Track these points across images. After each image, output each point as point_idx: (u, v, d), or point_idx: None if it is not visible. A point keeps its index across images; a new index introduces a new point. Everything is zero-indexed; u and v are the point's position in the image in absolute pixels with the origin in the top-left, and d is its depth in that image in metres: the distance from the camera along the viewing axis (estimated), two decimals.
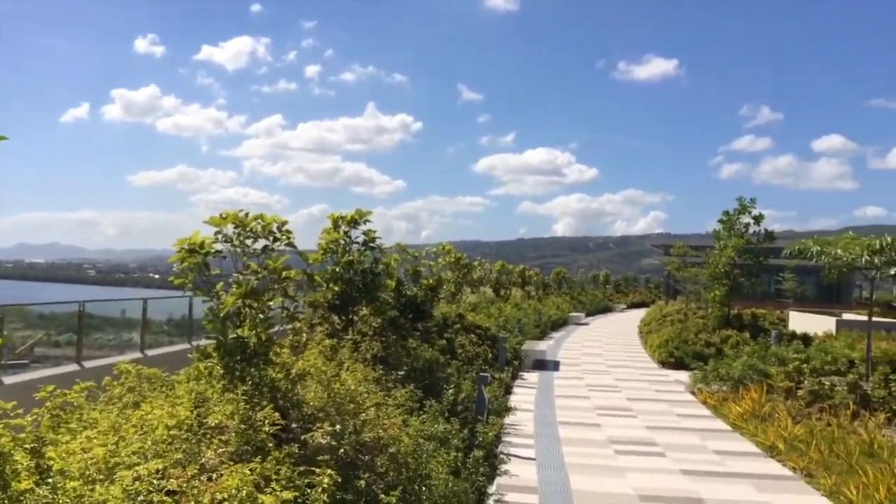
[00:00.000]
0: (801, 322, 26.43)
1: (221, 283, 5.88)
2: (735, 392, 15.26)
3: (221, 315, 5.73)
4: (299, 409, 5.76)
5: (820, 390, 14.17)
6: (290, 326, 7.14)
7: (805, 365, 15.33)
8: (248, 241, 6.10)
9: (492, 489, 8.69)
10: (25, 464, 3.74)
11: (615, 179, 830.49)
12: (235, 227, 6.03)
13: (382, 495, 5.39)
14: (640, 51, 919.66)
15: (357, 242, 10.93)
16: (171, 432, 4.42)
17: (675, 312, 32.21)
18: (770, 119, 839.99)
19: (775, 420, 12.72)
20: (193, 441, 4.50)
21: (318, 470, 4.58)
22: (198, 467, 4.20)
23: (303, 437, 5.27)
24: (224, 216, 5.96)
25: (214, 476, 4.18)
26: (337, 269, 10.65)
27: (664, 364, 22.17)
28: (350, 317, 10.92)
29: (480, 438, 9.61)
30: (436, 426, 8.27)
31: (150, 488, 3.59)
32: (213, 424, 4.81)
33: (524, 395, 15.89)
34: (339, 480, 4.70)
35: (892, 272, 17.56)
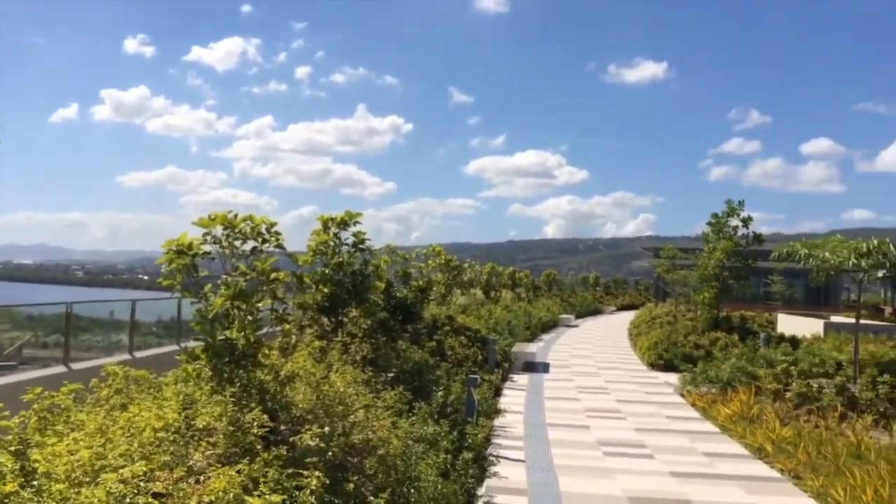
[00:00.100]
0: (790, 324, 26.55)
1: (210, 285, 5.86)
2: (724, 394, 15.32)
3: (210, 317, 5.71)
4: (288, 411, 5.74)
5: (808, 392, 14.25)
6: (279, 328, 7.13)
7: (793, 367, 15.41)
8: (237, 243, 6.08)
9: (481, 491, 8.69)
10: (10, 466, 3.71)
11: (605, 182, 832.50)
12: (224, 229, 6.01)
13: (371, 497, 5.39)
14: (630, 54, 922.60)
15: (347, 244, 10.92)
16: (159, 434, 4.40)
17: (664, 315, 32.32)
18: (759, 122, 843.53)
19: (763, 422, 12.77)
20: (181, 443, 4.48)
21: (306, 472, 4.56)
22: (185, 469, 4.18)
23: (291, 440, 5.25)
24: (213, 217, 5.94)
25: (202, 478, 4.15)
26: (326, 271, 10.64)
27: (653, 366, 22.23)
28: (339, 318, 10.90)
29: (470, 440, 9.61)
30: (425, 428, 8.26)
31: (136, 491, 3.57)
32: (201, 426, 4.79)
33: (514, 397, 15.90)
34: (328, 483, 4.69)
35: (880, 275, 17.68)
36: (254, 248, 6.19)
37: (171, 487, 3.74)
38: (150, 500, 3.60)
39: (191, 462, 4.35)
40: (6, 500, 3.41)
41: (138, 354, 13.49)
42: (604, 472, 10.07)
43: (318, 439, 5.28)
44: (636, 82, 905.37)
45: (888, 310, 48.46)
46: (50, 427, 4.84)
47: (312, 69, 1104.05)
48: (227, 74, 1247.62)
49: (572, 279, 66.70)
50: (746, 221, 24.11)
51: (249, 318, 5.84)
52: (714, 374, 16.46)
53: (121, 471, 3.69)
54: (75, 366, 11.77)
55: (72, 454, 3.98)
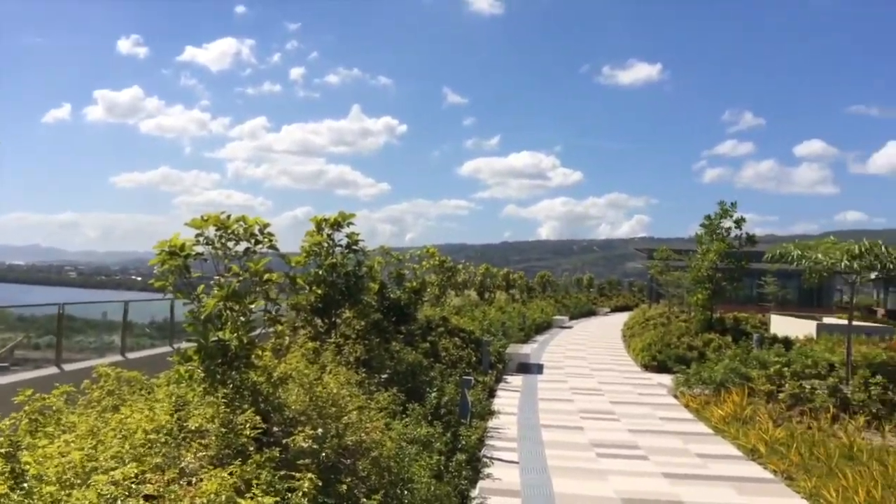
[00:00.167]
0: (783, 326, 26.63)
1: (202, 286, 5.85)
2: (717, 395, 15.35)
3: (202, 318, 5.70)
4: (281, 412, 5.73)
5: (800, 394, 14.29)
6: (272, 329, 7.12)
7: (786, 368, 15.45)
8: (230, 244, 6.08)
9: (474, 493, 8.68)
10: (0, 468, 3.69)
11: (599, 183, 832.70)
12: (217, 230, 6.00)
13: (364, 499, 5.38)
14: (625, 55, 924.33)
15: (340, 245, 10.91)
16: (150, 436, 4.39)
17: (658, 316, 32.36)
18: (752, 124, 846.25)
19: (756, 423, 12.80)
20: (173, 445, 4.47)
21: (299, 474, 4.55)
22: (177, 471, 4.17)
23: (284, 441, 5.24)
24: (205, 218, 5.93)
25: (194, 480, 4.14)
26: (320, 272, 10.62)
27: (647, 367, 22.26)
28: (333, 320, 10.89)
29: (463, 442, 9.62)
30: (418, 430, 8.26)
31: (127, 493, 3.56)
32: (193, 428, 4.77)
33: (508, 398, 15.89)
34: (321, 484, 4.68)
35: (872, 276, 17.74)
36: (247, 250, 6.18)
37: (162, 489, 3.73)
38: (142, 502, 3.59)
39: (183, 464, 4.34)
40: None
41: (131, 356, 13.46)
42: (597, 473, 10.07)
43: (310, 441, 5.28)
44: (630, 84, 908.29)
45: (881, 311, 48.67)
46: (41, 429, 4.83)
47: (306, 70, 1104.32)
48: (221, 75, 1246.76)
49: (566, 280, 66.73)
50: (739, 223, 24.18)
51: (242, 319, 5.83)
52: (707, 376, 16.49)
53: (112, 473, 3.68)
54: (67, 367, 11.73)
55: (63, 456, 3.97)
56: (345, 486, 5.19)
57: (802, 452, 10.81)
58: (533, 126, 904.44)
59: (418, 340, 13.93)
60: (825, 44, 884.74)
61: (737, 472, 10.37)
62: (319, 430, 5.59)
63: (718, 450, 11.70)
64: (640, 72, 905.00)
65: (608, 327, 40.08)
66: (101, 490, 3.48)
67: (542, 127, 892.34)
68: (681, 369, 18.43)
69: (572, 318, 44.88)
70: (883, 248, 14.97)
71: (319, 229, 10.82)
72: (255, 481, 4.23)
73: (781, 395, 14.46)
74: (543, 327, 35.11)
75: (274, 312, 6.70)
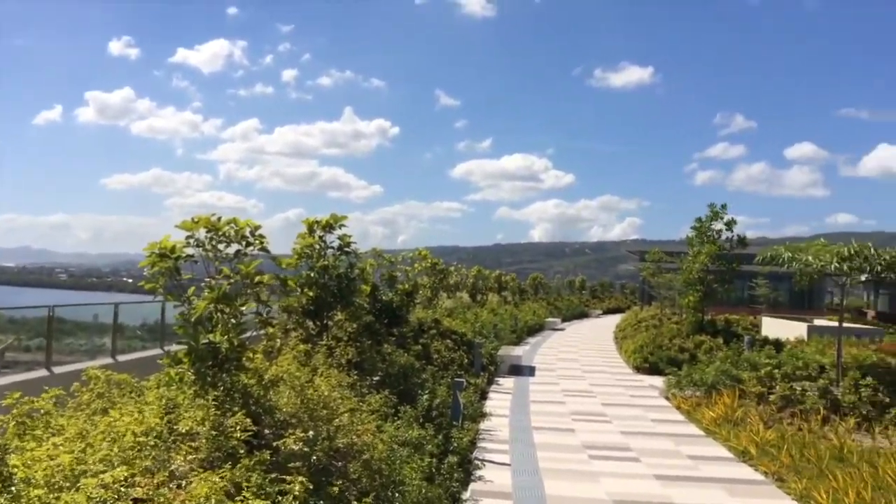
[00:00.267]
0: (774, 328, 26.72)
1: (193, 288, 5.84)
2: (708, 397, 15.38)
3: (193, 320, 5.69)
4: (272, 415, 5.73)
5: (791, 395, 14.33)
6: (263, 332, 7.12)
7: (777, 370, 15.49)
8: (221, 246, 6.07)
9: (466, 495, 8.67)
10: None
11: (591, 185, 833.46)
12: (208, 232, 6.00)
13: (355, 502, 5.38)
14: (616, 58, 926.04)
15: (332, 247, 10.90)
16: (140, 439, 4.37)
17: (649, 318, 32.43)
18: (744, 127, 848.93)
19: (747, 425, 12.84)
20: (163, 448, 4.45)
21: (289, 477, 4.55)
22: (167, 474, 4.15)
23: (275, 444, 5.24)
24: (196, 220, 5.92)
25: (184, 483, 4.13)
26: (312, 274, 10.62)
27: (639, 369, 22.29)
28: (325, 322, 10.88)
29: (455, 444, 9.61)
30: (410, 432, 8.26)
31: (117, 496, 3.54)
32: (183, 431, 4.76)
33: (500, 400, 15.89)
34: (312, 487, 4.67)
35: (863, 279, 17.83)
36: (237, 252, 6.17)
37: (152, 492, 3.72)
38: None
39: (173, 467, 4.33)
40: None
41: (121, 358, 13.41)
42: (589, 475, 10.08)
43: (301, 443, 5.27)
44: (622, 87, 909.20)
45: (871, 313, 48.91)
46: (29, 432, 4.80)
47: (299, 72, 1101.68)
48: (213, 77, 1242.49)
49: (559, 282, 66.78)
50: (730, 224, 24.25)
51: (233, 321, 5.83)
52: (699, 378, 16.53)
53: (101, 476, 3.66)
54: (57, 369, 11.68)
55: (51, 459, 3.95)
56: (336, 489, 5.18)
57: (793, 454, 10.84)
58: (525, 128, 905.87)
59: (410, 343, 13.92)
60: (816, 47, 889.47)
61: (728, 473, 10.40)
62: (310, 433, 5.58)
63: (709, 451, 11.72)
64: (632, 74, 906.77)
65: (600, 329, 40.14)
66: (91, 493, 3.47)
67: (535, 129, 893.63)
68: (672, 371, 18.47)
69: (564, 320, 44.94)
70: (873, 250, 15.05)
71: (311, 231, 10.82)
72: (245, 484, 4.22)
73: (772, 397, 14.50)
74: (535, 329, 35.13)
75: (265, 315, 6.69)
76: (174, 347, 6.17)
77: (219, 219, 6.06)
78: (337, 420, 6.22)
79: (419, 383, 11.26)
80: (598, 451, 11.42)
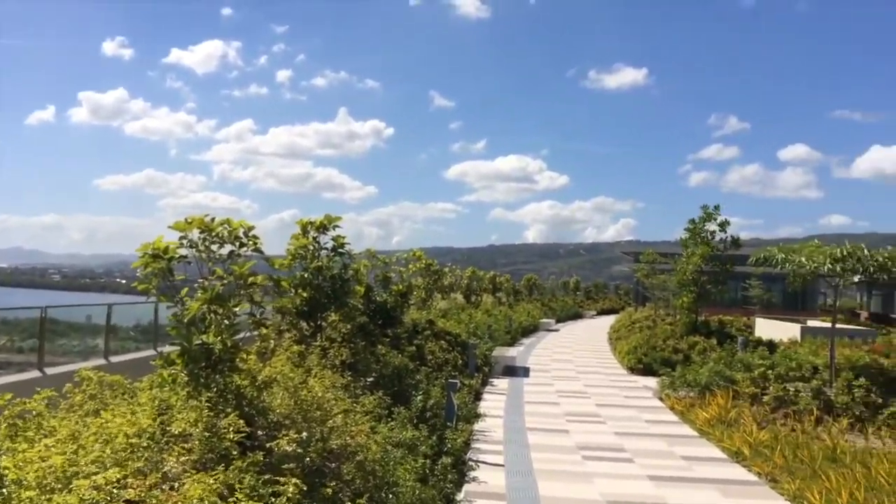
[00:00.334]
0: (767, 329, 26.78)
1: (186, 289, 5.82)
2: (702, 398, 15.41)
3: (186, 321, 5.67)
4: (265, 416, 5.71)
5: (784, 396, 14.37)
6: (256, 333, 7.10)
7: (770, 371, 15.53)
8: (214, 247, 6.05)
9: (460, 496, 8.67)
10: None
11: (586, 187, 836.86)
12: (201, 233, 5.98)
13: (349, 503, 5.36)
14: (611, 60, 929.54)
15: (326, 248, 10.88)
16: (132, 441, 4.35)
17: (643, 319, 32.46)
18: (737, 128, 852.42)
19: (741, 426, 12.86)
20: (155, 449, 4.43)
21: (283, 478, 4.53)
22: (159, 476, 4.14)
23: (268, 445, 5.22)
24: (189, 221, 5.90)
25: (177, 485, 4.11)
26: (305, 275, 10.60)
27: (633, 370, 22.32)
28: (318, 323, 10.86)
29: (449, 445, 9.60)
30: (404, 433, 8.25)
31: (109, 497, 3.52)
32: (176, 432, 4.74)
33: (494, 401, 15.89)
34: (305, 489, 4.66)
35: (856, 280, 17.88)
36: (231, 252, 6.15)
37: (144, 494, 3.70)
38: None
39: (165, 468, 4.31)
40: None
41: (114, 359, 13.37)
42: (583, 476, 10.08)
43: (295, 445, 5.26)
44: (616, 88, 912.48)
45: (864, 314, 49.07)
46: (21, 433, 4.78)
47: (293, 72, 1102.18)
48: (207, 77, 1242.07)
49: (553, 284, 66.80)
50: (723, 225, 24.30)
51: (226, 322, 5.80)
52: (692, 378, 16.56)
53: (93, 477, 3.65)
54: (50, 371, 11.64)
55: (43, 461, 3.93)
56: (329, 490, 5.17)
57: (786, 455, 10.87)
58: (519, 130, 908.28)
59: (404, 344, 13.90)
60: (809, 49, 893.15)
61: (721, 474, 10.41)
62: (304, 434, 5.57)
63: (703, 452, 11.74)
64: (626, 76, 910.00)
65: (594, 330, 40.17)
66: (83, 495, 3.45)
67: (529, 131, 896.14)
68: (666, 372, 18.49)
69: (559, 321, 44.97)
70: (866, 251, 15.10)
71: (305, 232, 10.80)
72: (238, 486, 4.20)
73: (766, 398, 14.54)
74: (530, 330, 35.15)
75: (259, 316, 6.68)
76: (167, 348, 6.15)
77: (212, 219, 6.04)
78: (331, 421, 6.21)
79: (413, 384, 11.24)
80: (592, 452, 11.43)
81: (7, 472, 3.76)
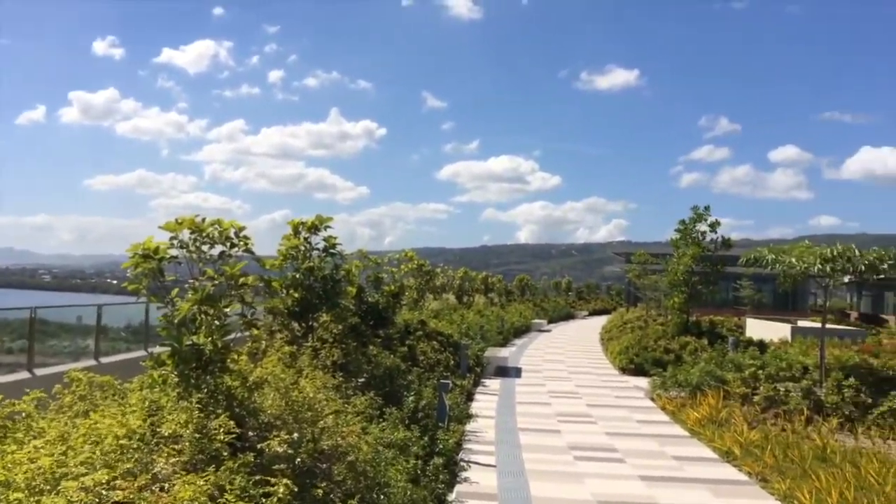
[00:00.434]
0: (758, 329, 26.88)
1: (177, 290, 5.80)
2: (693, 398, 15.45)
3: (176, 322, 5.65)
4: (256, 417, 5.70)
5: (775, 396, 14.43)
6: (248, 333, 7.09)
7: (761, 371, 15.59)
8: (205, 247, 6.03)
9: (451, 496, 8.67)
10: None
11: (578, 187, 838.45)
12: (192, 233, 5.96)
13: None
14: (602, 61, 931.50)
15: (317, 249, 10.87)
16: (122, 442, 4.33)
17: (635, 319, 32.54)
18: (728, 130, 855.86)
19: (732, 425, 12.90)
20: (145, 451, 4.42)
21: (273, 479, 4.52)
22: (149, 477, 4.12)
23: (259, 446, 5.21)
24: (180, 221, 5.88)
25: (167, 486, 4.10)
26: (297, 276, 10.58)
27: (624, 370, 22.36)
28: (310, 323, 10.85)
29: (441, 446, 9.60)
30: (395, 434, 8.24)
31: (97, 499, 3.51)
32: (166, 433, 4.73)
33: (486, 401, 15.90)
34: (296, 489, 4.65)
35: (846, 280, 17.98)
36: (222, 253, 6.14)
37: (133, 495, 3.69)
38: None
39: (155, 469, 4.29)
40: None
41: (105, 360, 13.32)
42: (574, 476, 10.10)
43: (286, 446, 5.25)
44: (608, 89, 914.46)
45: (854, 314, 49.34)
46: (10, 435, 4.76)
47: (285, 73, 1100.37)
48: (199, 77, 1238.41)
49: (545, 284, 66.85)
50: (714, 226, 24.39)
51: (217, 323, 5.79)
52: (684, 378, 16.60)
53: (82, 479, 3.63)
54: (39, 371, 11.59)
55: (32, 462, 3.92)
56: (320, 491, 5.16)
57: (777, 454, 10.91)
58: (512, 130, 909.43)
59: (396, 344, 13.90)
60: (800, 51, 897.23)
61: (712, 474, 10.45)
62: (295, 435, 5.56)
63: (694, 452, 11.78)
64: (618, 77, 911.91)
65: (586, 330, 40.24)
66: (71, 497, 3.44)
67: (521, 131, 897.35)
68: (657, 372, 18.53)
69: (551, 321, 45.03)
70: (856, 251, 15.17)
71: (296, 233, 10.78)
72: (228, 487, 4.19)
73: (756, 398, 14.59)
74: (522, 331, 35.17)
75: (250, 316, 6.66)
76: (158, 349, 6.12)
77: (203, 220, 6.02)
78: (322, 422, 6.20)
79: (405, 385, 11.24)
80: (584, 452, 11.44)
81: None
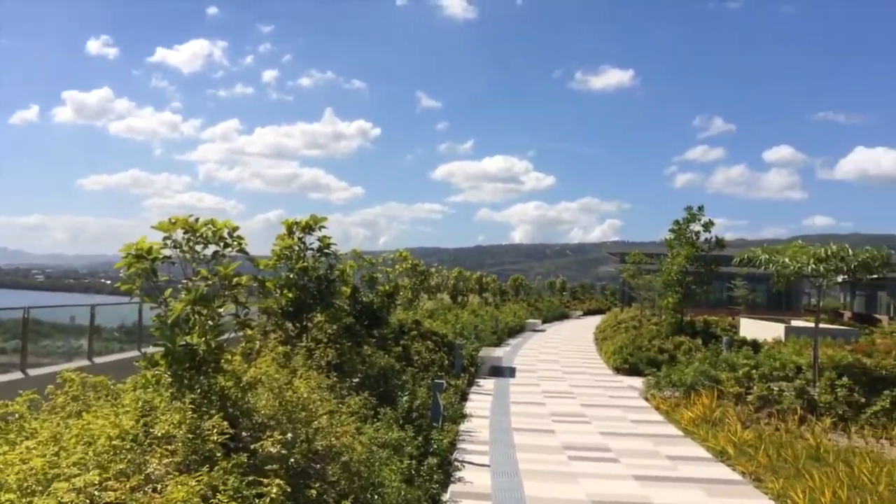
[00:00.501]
0: (752, 329, 26.94)
1: (170, 290, 5.78)
2: (687, 398, 15.48)
3: (170, 322, 5.64)
4: (249, 417, 5.69)
5: (769, 396, 14.47)
6: (241, 334, 7.07)
7: (754, 371, 15.62)
8: (198, 247, 6.01)
9: (445, 496, 8.67)
10: None
11: (572, 187, 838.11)
12: (185, 233, 5.94)
13: None
14: (597, 61, 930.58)
15: (312, 249, 10.85)
16: (115, 442, 4.32)
17: (629, 319, 32.61)
18: (722, 130, 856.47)
19: (725, 425, 12.93)
20: (138, 451, 4.41)
21: (267, 480, 4.51)
22: (142, 478, 4.11)
23: (252, 447, 5.20)
24: (173, 221, 5.87)
25: (159, 487, 4.09)
26: (291, 276, 10.57)
27: (619, 370, 22.40)
28: (304, 324, 10.83)
29: (435, 446, 9.60)
30: (390, 434, 8.24)
31: (89, 500, 3.50)
32: (159, 434, 4.72)
33: (480, 401, 15.91)
34: (289, 490, 4.64)
35: (839, 280, 18.03)
36: (215, 253, 6.12)
37: (125, 496, 3.68)
38: None
39: (148, 470, 4.28)
40: None
41: (98, 360, 13.29)
42: (568, 476, 10.11)
43: (279, 446, 5.24)
44: (602, 89, 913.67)
45: (847, 314, 49.51)
46: (2, 435, 4.74)
47: (279, 72, 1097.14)
48: (193, 77, 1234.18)
49: (539, 284, 66.98)
50: (707, 226, 24.47)
51: (210, 323, 5.77)
52: (678, 378, 16.64)
53: (74, 480, 3.61)
54: (33, 372, 11.55)
55: (24, 463, 3.90)
56: (314, 492, 5.15)
57: (770, 454, 10.94)
58: (506, 130, 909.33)
59: (390, 344, 13.89)
60: (794, 51, 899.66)
61: (706, 473, 10.47)
62: (289, 435, 5.55)
63: (688, 452, 11.80)
64: (612, 77, 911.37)
65: (581, 330, 40.29)
66: (62, 498, 3.42)
67: (515, 131, 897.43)
68: (652, 372, 18.58)
69: (545, 321, 45.06)
70: (849, 251, 15.21)
71: (290, 233, 10.77)
72: (222, 487, 4.18)
73: (750, 398, 14.63)
74: (516, 331, 35.20)
75: (243, 316, 6.64)
76: (152, 349, 6.11)
77: (196, 220, 6.01)
78: (316, 422, 6.19)
79: (399, 385, 11.24)
80: (578, 452, 11.46)
81: None
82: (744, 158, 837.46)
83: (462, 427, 12.54)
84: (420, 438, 9.13)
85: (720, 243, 24.63)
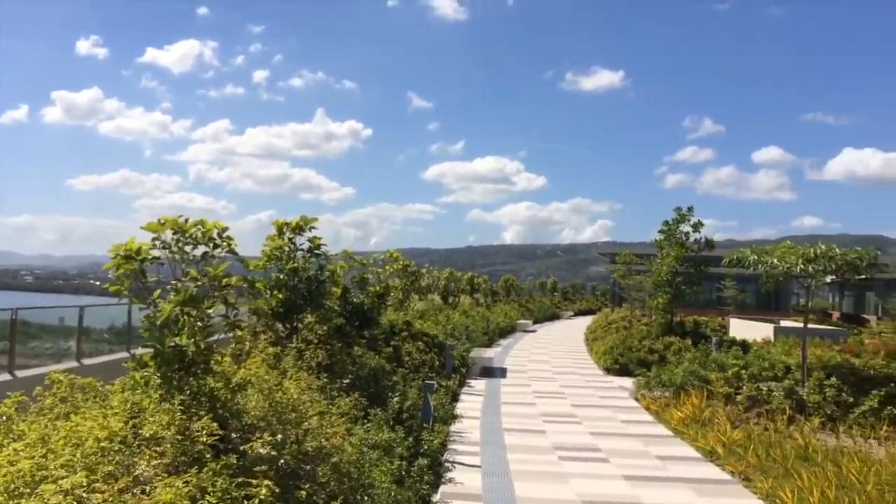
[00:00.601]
0: (741, 329, 27.06)
1: (159, 291, 5.76)
2: (677, 398, 15.53)
3: (159, 323, 5.61)
4: (239, 418, 5.67)
5: (758, 396, 14.54)
6: (231, 335, 7.05)
7: (744, 371, 15.68)
8: (188, 248, 5.99)
9: (436, 497, 8.66)
10: None
11: (563, 188, 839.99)
12: (174, 234, 5.92)
13: None
14: (588, 62, 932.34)
15: (302, 249, 10.83)
16: (103, 444, 4.30)
17: (620, 320, 32.68)
18: (712, 131, 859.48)
19: (715, 425, 12.98)
20: (127, 453, 4.39)
21: (256, 481, 4.50)
22: (131, 479, 4.10)
23: (242, 448, 5.19)
24: (162, 222, 5.84)
25: (148, 489, 4.07)
26: (281, 277, 10.54)
27: (609, 370, 22.45)
28: (294, 324, 10.80)
29: (426, 446, 9.59)
30: (380, 435, 8.23)
31: (77, 502, 3.48)
32: (148, 435, 4.70)
33: (471, 402, 15.91)
34: (279, 491, 4.63)
35: (828, 280, 18.13)
36: (205, 253, 6.10)
37: (113, 498, 3.66)
38: None
39: (137, 472, 4.27)
40: None
41: (87, 362, 13.23)
42: (559, 476, 10.12)
43: (269, 447, 5.23)
44: (593, 90, 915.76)
45: (836, 315, 49.81)
46: None
47: (270, 73, 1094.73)
48: (183, 77, 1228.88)
49: (530, 284, 67.00)
50: (697, 226, 24.57)
51: (200, 324, 5.75)
52: (667, 378, 16.69)
53: (61, 481, 3.60)
54: (20, 373, 11.49)
55: (11, 465, 3.88)
56: (304, 493, 5.14)
57: (759, 454, 10.99)
58: (497, 131, 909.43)
59: (381, 345, 13.88)
60: (782, 52, 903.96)
61: (695, 473, 10.51)
62: (279, 436, 5.54)
63: (677, 451, 11.84)
64: (603, 78, 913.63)
65: (571, 331, 40.36)
66: (49, 500, 3.41)
67: (507, 132, 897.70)
68: (642, 372, 18.63)
69: (536, 321, 45.13)
70: (837, 251, 15.30)
71: (280, 233, 10.75)
72: (210, 489, 4.17)
73: (739, 398, 14.69)
74: (507, 331, 35.22)
75: (233, 317, 6.62)
76: (141, 351, 6.08)
77: (186, 220, 5.99)
78: (306, 423, 6.18)
79: (390, 386, 11.23)
80: (568, 453, 11.48)
81: None
82: (733, 159, 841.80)
83: (453, 428, 12.55)
84: (410, 439, 9.13)
85: (709, 244, 24.75)
